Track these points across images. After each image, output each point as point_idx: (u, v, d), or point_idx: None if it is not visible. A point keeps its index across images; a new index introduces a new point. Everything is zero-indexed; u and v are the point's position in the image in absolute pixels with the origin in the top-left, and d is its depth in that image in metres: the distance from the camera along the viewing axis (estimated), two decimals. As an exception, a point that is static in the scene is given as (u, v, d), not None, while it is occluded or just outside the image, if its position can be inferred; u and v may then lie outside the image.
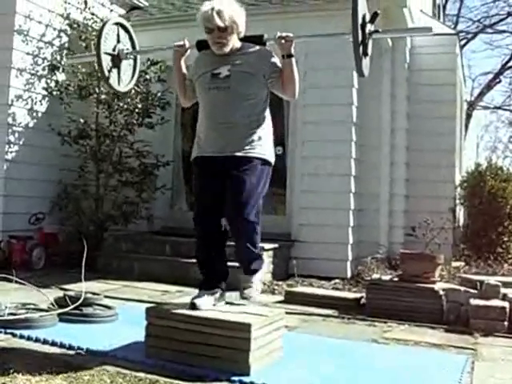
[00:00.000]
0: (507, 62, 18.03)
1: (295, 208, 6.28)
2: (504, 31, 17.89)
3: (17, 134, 6.13)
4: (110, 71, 3.37)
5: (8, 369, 2.63)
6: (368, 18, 3.02)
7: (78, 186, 6.40)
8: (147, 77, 6.28)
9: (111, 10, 6.98)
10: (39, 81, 6.33)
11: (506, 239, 6.61)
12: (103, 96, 6.30)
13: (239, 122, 3.05)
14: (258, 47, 3.16)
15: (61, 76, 6.46)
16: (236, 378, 2.67)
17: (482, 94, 18.29)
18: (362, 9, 2.99)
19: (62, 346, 3.09)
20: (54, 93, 6.33)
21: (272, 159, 3.17)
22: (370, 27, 3.02)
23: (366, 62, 3.07)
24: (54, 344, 3.11)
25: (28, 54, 6.19)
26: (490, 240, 6.52)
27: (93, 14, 6.49)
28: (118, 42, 3.43)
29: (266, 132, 3.15)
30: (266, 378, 2.68)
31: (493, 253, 6.32)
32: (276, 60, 3.13)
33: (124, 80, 3.51)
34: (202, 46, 3.23)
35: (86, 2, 6.49)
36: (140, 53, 3.72)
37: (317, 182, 6.09)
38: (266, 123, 3.17)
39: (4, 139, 6.00)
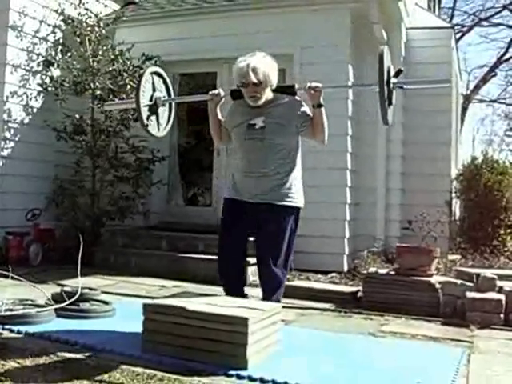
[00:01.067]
0: (503, 55, 18.06)
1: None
2: (499, 24, 17.90)
3: (12, 131, 6.12)
4: (148, 119, 3.54)
5: (6, 364, 2.63)
6: (392, 72, 3.29)
7: (74, 182, 6.39)
8: (142, 72, 6.25)
9: (105, 6, 6.96)
10: (34, 77, 6.31)
11: (501, 232, 6.62)
12: (98, 92, 6.29)
13: (273, 172, 3.30)
14: (288, 98, 3.37)
15: (56, 72, 6.45)
16: (233, 372, 2.68)
17: (477, 88, 18.32)
18: (387, 62, 3.24)
19: (59, 341, 3.09)
20: (49, 89, 6.32)
21: (302, 204, 3.42)
22: (393, 80, 3.28)
23: (390, 110, 3.34)
24: (51, 339, 3.11)
25: (23, 49, 6.17)
26: (486, 233, 6.54)
27: (87, 10, 6.46)
28: (154, 90, 3.60)
29: (296, 179, 3.39)
30: (264, 372, 2.69)
31: (489, 246, 6.34)
32: (306, 109, 3.37)
33: (162, 124, 3.70)
34: (236, 95, 3.43)
35: (80, -2, 6.47)
36: (175, 100, 3.93)
37: (313, 177, 6.05)
38: (297, 169, 3.41)
39: (-1, 135, 6.00)
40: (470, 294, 4.17)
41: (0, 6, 6.01)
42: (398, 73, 3.31)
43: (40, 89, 6.35)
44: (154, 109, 3.58)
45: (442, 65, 6.86)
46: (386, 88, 3.18)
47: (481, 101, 19.59)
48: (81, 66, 6.30)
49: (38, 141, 6.30)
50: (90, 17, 6.44)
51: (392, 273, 4.66)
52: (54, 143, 6.33)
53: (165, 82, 3.73)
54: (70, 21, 6.43)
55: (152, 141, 6.44)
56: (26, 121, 6.27)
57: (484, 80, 18.24)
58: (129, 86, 6.18)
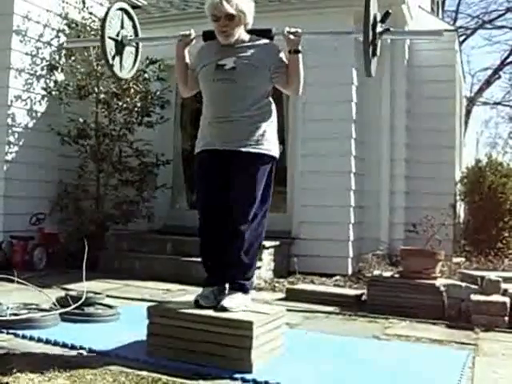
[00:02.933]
0: (506, 58, 18.05)
1: (296, 205, 6.28)
2: (503, 27, 17.90)
3: (16, 135, 6.13)
4: (113, 58, 3.34)
5: (11, 369, 2.63)
6: (379, 17, 3.02)
7: (78, 186, 6.39)
8: (146, 76, 6.28)
9: (109, 10, 6.96)
10: (38, 81, 6.33)
11: (506, 235, 6.61)
12: (102, 95, 6.30)
13: (244, 116, 3.03)
14: (265, 41, 3.14)
15: (60, 76, 6.46)
16: (238, 376, 2.67)
17: (481, 90, 18.28)
18: (373, 8, 2.99)
19: (64, 345, 3.09)
20: (53, 93, 6.33)
21: (277, 154, 3.15)
22: (379, 27, 3.02)
23: (374, 62, 3.07)
24: (56, 344, 3.11)
25: (26, 54, 6.18)
26: (491, 235, 6.52)
27: (91, 14, 6.48)
28: (122, 27, 3.39)
29: (270, 126, 3.12)
30: (269, 376, 2.68)
31: (493, 248, 6.32)
32: (282, 55, 3.12)
33: (126, 67, 3.48)
34: (208, 36, 3.20)
35: (83, 2, 6.48)
36: (143, 40, 3.66)
37: (317, 180, 6.09)
38: (271, 117, 3.15)
39: (4, 140, 6.00)
40: (474, 297, 4.16)
41: (4, 11, 6.04)
42: (385, 16, 3.05)
43: (44, 93, 6.36)
44: (119, 47, 3.36)
45: (446, 67, 6.87)
46: (371, 34, 2.94)
47: (485, 103, 19.55)
48: (85, 69, 6.31)
49: (42, 145, 6.31)
50: (94, 21, 6.45)
51: (396, 276, 4.66)
52: (58, 147, 6.34)
53: (134, 26, 3.50)
54: (73, 25, 6.44)
55: (156, 144, 6.48)
56: (30, 125, 6.28)
57: (488, 82, 18.21)
58: (132, 90, 6.19)
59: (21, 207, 6.01)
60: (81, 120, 6.32)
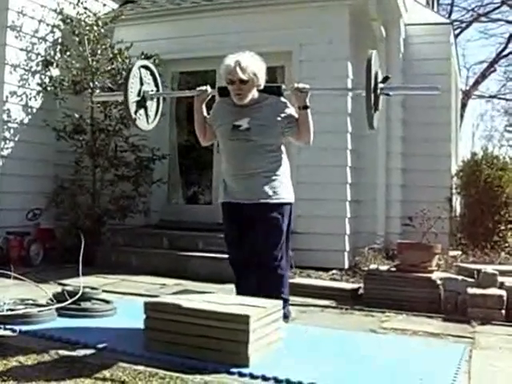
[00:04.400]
0: (502, 51, 18.01)
1: (292, 200, 6.27)
2: (498, 20, 17.85)
3: (12, 131, 6.12)
4: (136, 112, 3.57)
5: (8, 364, 2.64)
6: (380, 77, 3.29)
7: (74, 181, 6.39)
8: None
9: (104, 5, 6.96)
10: (33, 76, 6.31)
11: (502, 228, 6.62)
12: (98, 91, 6.28)
13: (260, 171, 3.34)
14: (274, 99, 3.39)
15: (55, 71, 6.45)
16: (235, 370, 2.68)
17: (476, 83, 18.28)
18: (375, 67, 3.24)
19: (60, 340, 3.09)
20: (49, 88, 6.32)
21: (292, 200, 3.49)
22: (381, 86, 3.29)
23: (376, 115, 3.35)
24: (52, 339, 3.11)
25: (22, 49, 6.16)
26: (487, 229, 6.54)
27: (86, 9, 6.45)
28: (142, 84, 3.62)
29: (284, 175, 3.45)
30: (266, 370, 2.69)
31: (489, 241, 6.34)
32: (291, 110, 3.40)
33: (150, 116, 3.73)
34: (222, 92, 3.47)
35: (78, -3, 6.46)
36: (163, 94, 4.00)
37: (313, 174, 6.08)
38: (284, 166, 3.47)
39: (-1, 136, 6.00)
40: (471, 290, 4.17)
41: (-1, 6, 6.02)
42: (385, 79, 3.33)
43: (39, 88, 6.35)
44: (141, 103, 3.60)
45: (441, 61, 6.86)
46: (372, 94, 3.19)
47: (480, 96, 19.55)
48: (80, 65, 6.29)
49: (37, 140, 6.30)
50: (89, 16, 6.44)
51: (393, 269, 4.67)
52: (53, 143, 6.33)
53: (153, 75, 3.75)
54: (68, 20, 6.42)
55: (152, 139, 6.47)
56: (26, 121, 6.27)
57: (483, 76, 18.20)
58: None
59: (17, 203, 6.01)
60: (76, 115, 6.31)
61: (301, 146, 3.57)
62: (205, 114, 3.55)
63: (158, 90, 3.79)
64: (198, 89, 3.51)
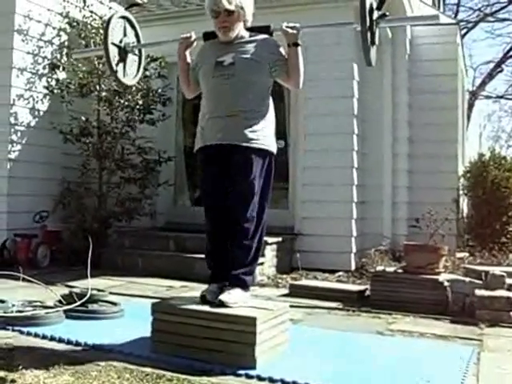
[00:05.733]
0: (509, 51, 17.97)
1: (298, 201, 6.28)
2: (505, 19, 17.81)
3: (19, 133, 6.15)
4: (116, 64, 3.37)
5: (16, 365, 2.65)
6: (375, 4, 3.02)
7: (80, 184, 6.41)
8: (147, 73, 6.28)
9: (110, 8, 6.97)
10: (40, 80, 6.33)
11: (510, 229, 6.59)
12: (104, 93, 6.31)
13: (242, 111, 3.04)
14: (264, 36, 3.17)
15: (61, 74, 6.47)
16: (242, 372, 2.68)
17: (483, 84, 18.23)
18: None
19: (68, 342, 3.10)
20: (55, 91, 6.34)
21: (274, 149, 3.17)
22: (376, 14, 3.02)
23: (373, 51, 3.07)
24: (60, 341, 3.13)
25: (28, 53, 6.19)
26: (494, 230, 6.51)
27: (92, 12, 6.48)
28: (125, 35, 3.44)
29: (268, 122, 3.15)
30: (273, 372, 2.69)
31: (497, 243, 6.31)
32: (282, 49, 3.16)
33: (129, 74, 3.52)
34: (208, 37, 3.25)
35: (84, 1, 6.49)
36: (146, 46, 3.72)
37: (319, 175, 6.09)
38: (269, 113, 3.17)
39: (7, 138, 6.02)
40: (478, 292, 4.15)
41: (5, 10, 6.04)
42: (380, 3, 3.06)
43: (46, 91, 6.37)
44: (122, 55, 3.40)
45: (448, 61, 6.85)
46: (368, 20, 2.93)
47: (487, 97, 19.50)
48: (86, 68, 6.31)
49: (44, 143, 6.32)
50: (95, 19, 6.47)
51: (400, 271, 4.65)
52: (60, 145, 6.35)
53: (136, 34, 3.55)
54: (74, 23, 6.45)
55: (158, 142, 6.49)
56: (33, 123, 6.29)
57: (490, 76, 18.15)
58: (134, 88, 6.18)
59: (24, 205, 6.03)
60: (83, 118, 6.33)
61: (290, 88, 3.23)
62: (188, 60, 3.29)
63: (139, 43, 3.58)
64: (181, 36, 3.26)
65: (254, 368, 2.72)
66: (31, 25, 6.18)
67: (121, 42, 3.40)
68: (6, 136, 6.02)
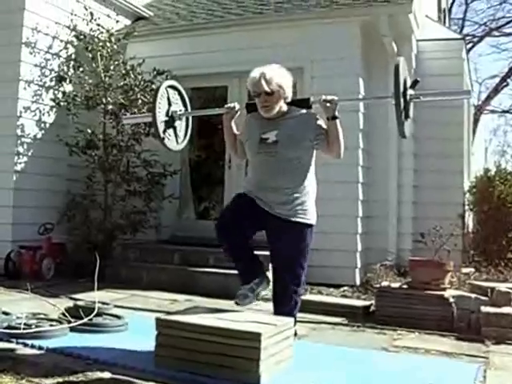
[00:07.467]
0: (514, 65, 17.95)
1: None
2: (511, 34, 17.84)
3: (25, 145, 6.18)
4: (164, 132, 3.56)
5: (20, 378, 2.64)
6: (409, 83, 3.22)
7: (86, 196, 6.42)
8: (153, 86, 6.30)
9: (117, 21, 7.03)
10: (47, 92, 6.38)
11: (516, 245, 6.55)
12: (110, 106, 6.34)
13: (285, 187, 3.24)
14: (303, 111, 3.34)
15: (68, 87, 6.51)
16: (246, 388, 2.66)
17: (489, 98, 18.22)
18: (403, 73, 3.18)
19: (71, 356, 3.09)
20: (62, 104, 6.38)
21: (314, 221, 3.36)
22: (410, 92, 3.21)
23: (407, 123, 3.28)
24: (64, 354, 3.11)
25: (36, 65, 6.24)
26: (500, 246, 6.47)
27: (99, 25, 6.53)
28: (170, 104, 3.61)
29: (309, 195, 3.34)
30: (276, 388, 2.67)
31: (503, 259, 6.26)
32: (321, 122, 3.31)
33: (180, 137, 3.72)
34: (251, 108, 3.41)
35: (91, 14, 6.54)
36: (192, 113, 3.90)
37: (324, 190, 6.03)
38: (311, 186, 3.36)
39: (13, 150, 6.06)
40: (484, 309, 4.12)
41: (14, 23, 6.10)
42: (414, 83, 3.23)
43: (52, 104, 6.41)
44: (170, 123, 3.59)
45: (454, 76, 6.84)
46: (402, 100, 3.13)
47: (493, 111, 19.48)
48: (93, 81, 6.36)
49: (50, 155, 6.35)
50: (102, 32, 6.52)
51: (405, 286, 4.63)
52: (66, 158, 6.38)
53: (180, 94, 3.74)
54: (82, 36, 6.50)
55: (163, 155, 6.49)
56: (39, 136, 6.33)
57: (496, 90, 18.15)
58: (140, 101, 6.22)
59: (29, 217, 6.04)
60: (89, 131, 6.36)
61: (331, 160, 3.43)
62: (235, 130, 3.49)
63: (186, 110, 3.76)
64: (226, 106, 3.47)
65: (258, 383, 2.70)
66: (39, 37, 6.24)
67: (168, 113, 3.58)
68: (13, 148, 6.05)
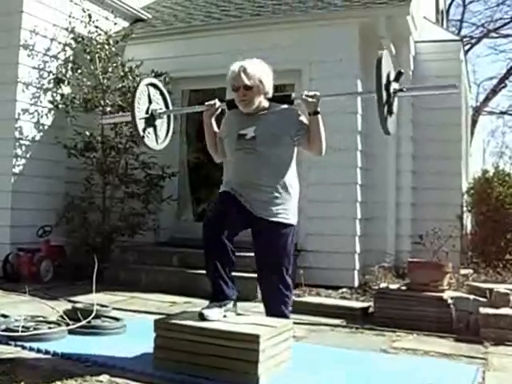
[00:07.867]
0: (512, 67, 17.98)
1: (301, 218, 6.20)
2: (508, 35, 17.86)
3: (24, 148, 6.17)
4: (144, 131, 3.49)
5: (19, 381, 2.63)
6: (392, 76, 3.08)
7: (84, 199, 6.42)
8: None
9: (115, 24, 7.03)
10: (45, 94, 6.37)
11: (514, 246, 6.56)
12: (108, 108, 6.33)
13: (264, 185, 3.14)
14: (283, 106, 3.25)
15: (66, 89, 6.51)
16: (245, 390, 2.66)
17: (487, 100, 18.24)
18: (387, 67, 3.06)
19: (70, 358, 3.08)
20: (60, 106, 6.37)
21: (295, 221, 3.27)
22: (394, 86, 3.07)
23: (391, 119, 3.12)
24: (62, 357, 3.11)
25: (34, 68, 6.24)
26: (499, 247, 6.48)
27: (97, 28, 6.53)
28: (150, 102, 3.54)
29: (291, 195, 3.23)
30: (275, 390, 2.67)
31: (501, 260, 6.27)
32: (302, 118, 3.22)
33: (160, 136, 3.63)
34: (232, 105, 3.33)
35: (90, 16, 6.54)
36: (172, 112, 3.82)
37: (323, 192, 6.08)
38: (293, 184, 3.25)
39: (11, 153, 6.05)
40: (483, 310, 4.12)
41: (12, 26, 6.10)
42: (398, 76, 3.09)
43: (51, 106, 6.41)
44: (150, 121, 3.50)
45: (452, 78, 6.84)
46: (385, 94, 2.99)
47: (491, 113, 19.51)
48: (91, 83, 6.36)
49: (48, 158, 6.34)
50: (100, 34, 6.52)
51: (403, 288, 4.63)
52: (64, 160, 6.37)
53: (162, 94, 3.66)
54: (80, 39, 6.50)
55: (162, 157, 6.49)
56: (37, 138, 6.32)
57: (494, 92, 18.16)
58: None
59: (28, 219, 6.04)
60: (87, 133, 6.35)
61: (312, 157, 3.34)
62: (215, 128, 3.38)
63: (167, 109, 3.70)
64: (206, 103, 3.36)
65: (256, 386, 2.69)
66: (37, 40, 6.23)
67: (147, 111, 3.49)
68: (11, 150, 6.04)
